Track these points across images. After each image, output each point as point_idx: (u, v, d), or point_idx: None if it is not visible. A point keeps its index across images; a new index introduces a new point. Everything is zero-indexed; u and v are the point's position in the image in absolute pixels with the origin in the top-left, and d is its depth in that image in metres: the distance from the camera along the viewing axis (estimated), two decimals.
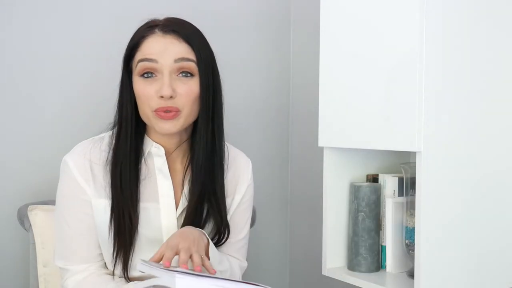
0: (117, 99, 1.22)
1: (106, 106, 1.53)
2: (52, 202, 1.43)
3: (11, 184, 1.55)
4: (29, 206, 1.41)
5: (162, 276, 0.97)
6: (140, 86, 1.16)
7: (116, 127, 1.21)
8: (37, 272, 1.39)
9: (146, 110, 1.16)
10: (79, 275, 1.18)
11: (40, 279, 1.38)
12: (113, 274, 1.19)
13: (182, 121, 1.17)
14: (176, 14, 1.23)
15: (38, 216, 1.40)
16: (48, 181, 1.58)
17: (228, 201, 1.28)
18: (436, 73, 1.20)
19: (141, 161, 1.21)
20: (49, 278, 1.38)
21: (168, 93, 1.13)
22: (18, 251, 1.56)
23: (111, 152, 1.20)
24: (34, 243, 1.40)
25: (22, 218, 1.43)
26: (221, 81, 1.24)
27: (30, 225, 1.40)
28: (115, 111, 1.22)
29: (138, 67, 1.16)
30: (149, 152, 1.23)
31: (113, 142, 1.20)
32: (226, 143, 1.28)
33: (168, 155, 1.24)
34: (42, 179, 1.58)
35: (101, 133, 1.26)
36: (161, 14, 1.23)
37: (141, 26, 1.21)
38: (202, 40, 1.20)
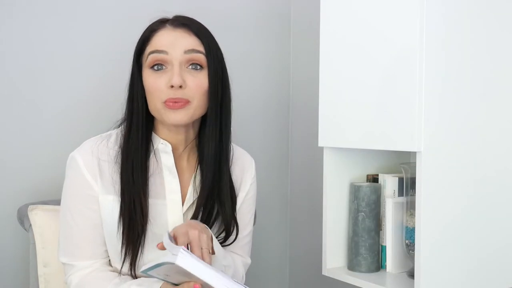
0: (127, 94, 1.23)
1: (107, 105, 1.53)
2: (52, 202, 1.43)
3: (11, 184, 1.55)
4: (29, 206, 1.41)
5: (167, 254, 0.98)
6: (150, 78, 1.17)
7: (126, 122, 1.22)
8: (37, 272, 1.39)
9: (156, 102, 1.17)
10: (83, 271, 1.18)
11: (40, 279, 1.38)
12: (120, 272, 1.19)
13: (192, 112, 1.18)
14: (176, 14, 1.23)
15: (38, 216, 1.40)
16: (48, 181, 1.58)
17: None
18: (436, 74, 1.20)
19: (149, 157, 1.22)
20: (49, 278, 1.38)
21: (178, 82, 1.14)
22: (18, 251, 1.55)
23: (121, 146, 1.20)
24: (34, 243, 1.40)
25: (22, 218, 1.43)
26: (230, 80, 1.25)
27: (30, 225, 1.40)
28: (124, 107, 1.23)
29: (148, 59, 1.18)
30: (156, 148, 1.23)
31: (123, 136, 1.21)
32: (231, 143, 1.29)
33: (175, 152, 1.24)
34: (42, 179, 1.58)
35: (106, 131, 1.26)
36: (162, 12, 1.23)
37: (152, 23, 1.22)
38: (211, 36, 1.22)
